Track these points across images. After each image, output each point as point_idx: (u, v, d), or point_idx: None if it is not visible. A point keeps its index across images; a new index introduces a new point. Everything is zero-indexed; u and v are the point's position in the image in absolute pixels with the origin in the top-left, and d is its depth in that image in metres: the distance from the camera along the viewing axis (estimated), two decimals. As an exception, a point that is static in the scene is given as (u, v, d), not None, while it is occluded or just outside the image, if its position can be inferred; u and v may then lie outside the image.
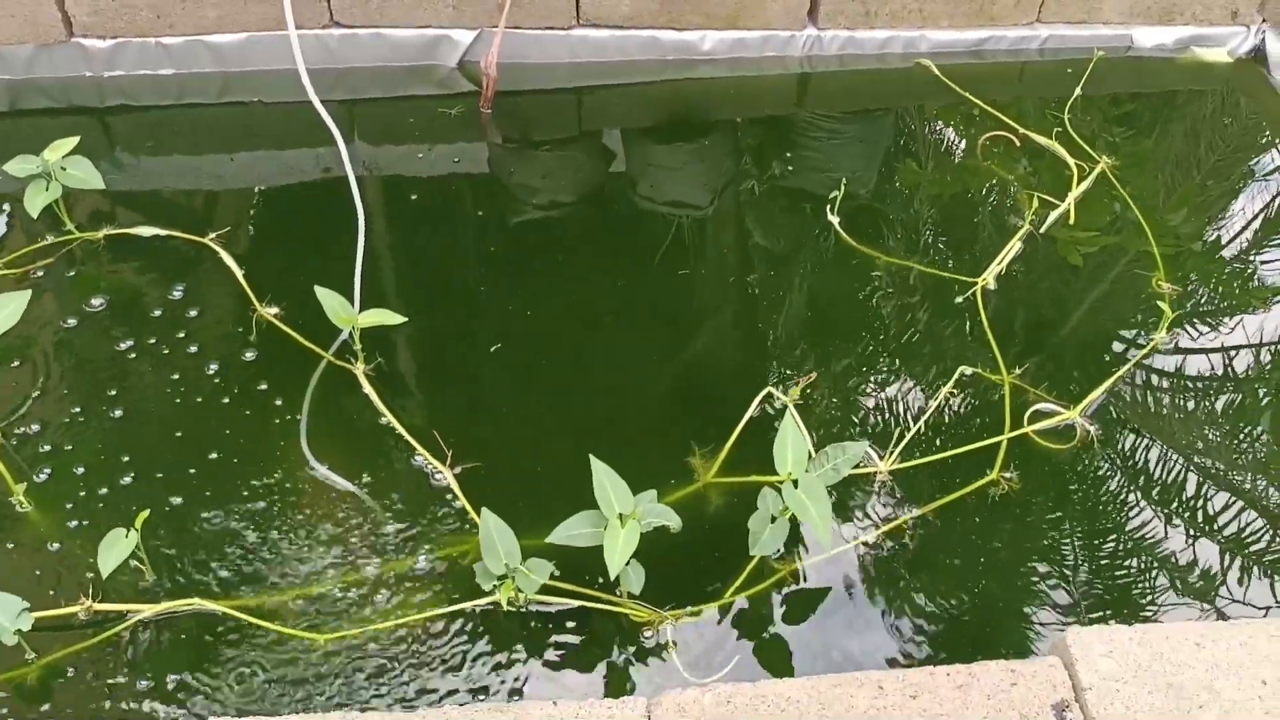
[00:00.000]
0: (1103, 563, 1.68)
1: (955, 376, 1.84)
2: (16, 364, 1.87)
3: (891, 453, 1.73)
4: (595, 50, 2.54)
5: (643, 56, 2.56)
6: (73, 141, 1.99)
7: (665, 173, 2.41)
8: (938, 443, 1.79)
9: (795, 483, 1.51)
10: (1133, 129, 2.50)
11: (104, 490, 1.69)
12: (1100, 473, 1.79)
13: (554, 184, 2.36)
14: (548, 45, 2.52)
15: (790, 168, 2.37)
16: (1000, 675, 1.35)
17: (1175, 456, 1.83)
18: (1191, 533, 1.72)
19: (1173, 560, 1.68)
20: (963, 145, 2.47)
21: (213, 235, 2.05)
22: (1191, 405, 1.94)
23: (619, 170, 2.38)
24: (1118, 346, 2.01)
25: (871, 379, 1.95)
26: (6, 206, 2.16)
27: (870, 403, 1.90)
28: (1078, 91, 2.44)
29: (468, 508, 1.65)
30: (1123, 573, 1.67)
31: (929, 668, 1.37)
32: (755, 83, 2.58)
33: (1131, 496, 1.77)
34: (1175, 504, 1.77)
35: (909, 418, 1.85)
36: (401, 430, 1.75)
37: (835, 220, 2.16)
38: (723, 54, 2.57)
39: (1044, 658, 1.39)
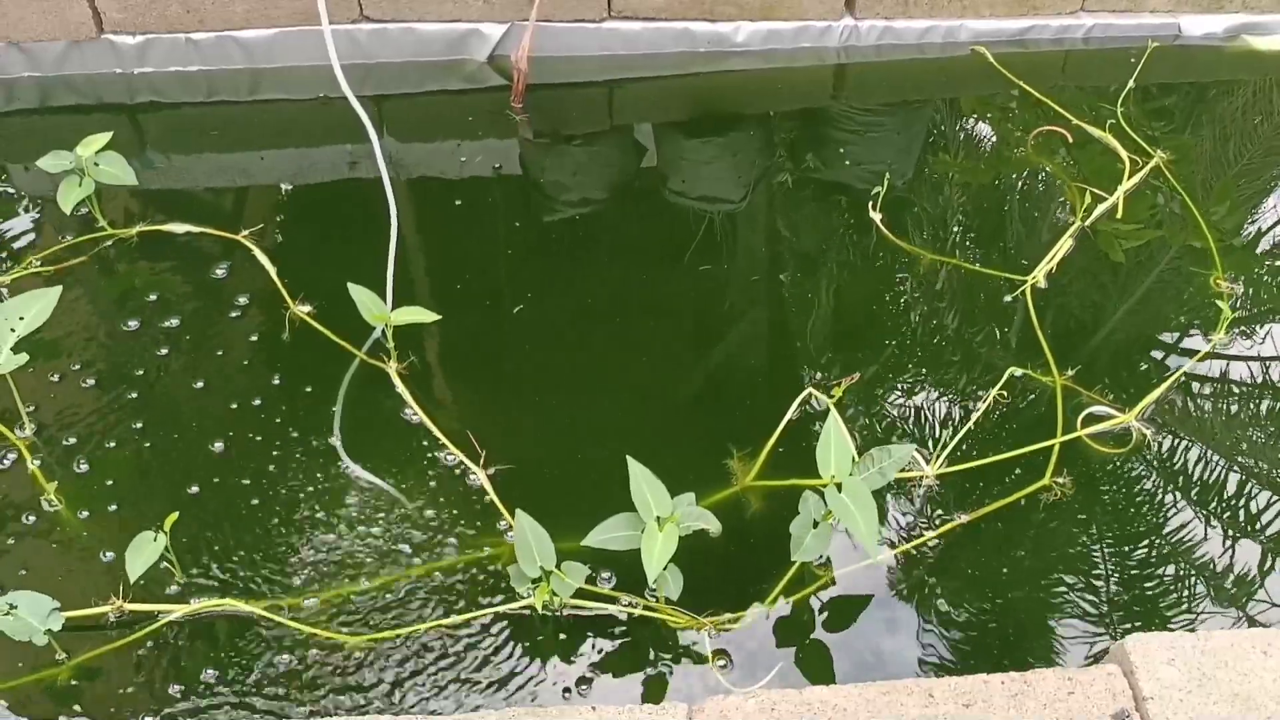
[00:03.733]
0: (1159, 571, 1.62)
1: (1005, 377, 1.78)
2: (48, 361, 1.86)
3: (938, 456, 1.68)
4: (627, 43, 2.50)
5: (675, 49, 2.52)
6: (105, 137, 1.97)
7: (698, 167, 2.37)
8: (975, 450, 1.73)
9: (839, 486, 1.47)
10: (1178, 121, 2.43)
11: (135, 488, 1.68)
12: (1155, 477, 1.73)
13: (585, 180, 2.32)
14: (579, 38, 2.48)
15: (826, 161, 2.32)
16: (1057, 684, 1.30)
17: (1227, 460, 1.77)
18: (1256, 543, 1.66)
19: (1230, 568, 1.62)
20: (1008, 137, 2.41)
21: (245, 232, 2.03)
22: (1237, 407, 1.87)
23: (650, 165, 2.34)
24: (1168, 342, 1.94)
25: (915, 380, 1.89)
26: (40, 202, 2.15)
27: (914, 404, 1.84)
28: (1130, 84, 2.36)
29: (501, 509, 1.62)
30: (1178, 581, 1.61)
31: (982, 675, 1.32)
32: (790, 75, 2.53)
33: (1185, 503, 1.71)
34: (1227, 509, 1.70)
35: (956, 420, 1.79)
36: (435, 430, 1.72)
37: (877, 217, 2.11)
38: (757, 46, 2.53)
39: (1102, 665, 1.34)
